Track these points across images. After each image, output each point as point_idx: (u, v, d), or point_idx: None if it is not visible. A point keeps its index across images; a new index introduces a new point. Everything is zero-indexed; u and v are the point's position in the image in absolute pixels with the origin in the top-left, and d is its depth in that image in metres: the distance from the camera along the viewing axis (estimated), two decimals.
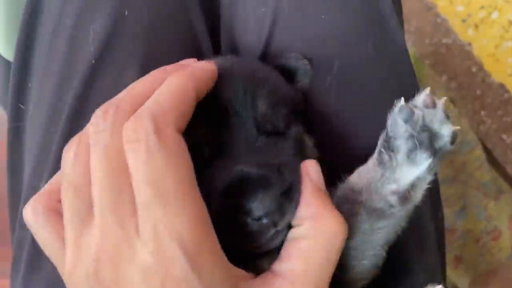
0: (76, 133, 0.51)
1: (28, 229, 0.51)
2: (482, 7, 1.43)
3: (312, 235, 0.41)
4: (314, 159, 0.48)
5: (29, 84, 0.57)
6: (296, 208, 0.42)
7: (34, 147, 0.55)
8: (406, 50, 0.56)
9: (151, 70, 0.54)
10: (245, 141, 0.45)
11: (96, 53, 0.52)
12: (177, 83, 0.40)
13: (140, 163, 0.36)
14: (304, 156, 0.48)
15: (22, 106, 0.57)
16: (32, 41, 0.58)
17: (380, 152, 0.46)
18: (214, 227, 0.38)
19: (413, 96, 0.49)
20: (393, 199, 0.45)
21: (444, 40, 1.46)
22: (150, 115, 0.37)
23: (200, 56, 0.59)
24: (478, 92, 1.45)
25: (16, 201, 0.59)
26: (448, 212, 1.44)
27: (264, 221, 0.41)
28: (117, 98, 0.42)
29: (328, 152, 0.54)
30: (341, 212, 0.45)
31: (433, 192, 0.59)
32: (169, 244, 0.34)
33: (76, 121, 0.52)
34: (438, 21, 1.47)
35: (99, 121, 0.40)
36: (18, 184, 0.60)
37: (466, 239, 1.48)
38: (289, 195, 0.42)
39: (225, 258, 0.38)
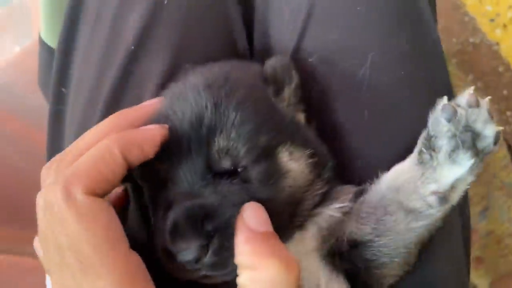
0: None
1: None
2: (510, 7, 1.41)
3: (248, 285, 0.40)
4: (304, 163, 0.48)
5: (70, 70, 0.60)
6: (217, 256, 0.42)
7: (72, 130, 0.58)
8: (439, 45, 0.57)
9: (183, 59, 0.56)
10: (188, 182, 0.44)
11: (135, 41, 0.55)
12: (100, 147, 0.41)
13: (56, 230, 0.38)
14: (270, 189, 0.46)
15: (64, 90, 0.60)
16: (75, 30, 0.60)
17: (420, 151, 0.46)
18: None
19: (445, 92, 0.49)
20: (432, 199, 0.46)
21: (471, 39, 1.44)
22: (63, 181, 0.39)
23: (234, 49, 0.60)
24: (505, 92, 1.43)
25: None
26: (470, 212, 1.43)
27: (187, 266, 0.42)
28: (62, 153, 0.45)
29: (355, 143, 0.54)
30: (375, 211, 0.47)
31: None
32: None
33: (113, 106, 0.55)
34: (466, 20, 1.45)
35: (44, 176, 0.45)
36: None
37: (488, 240, 1.46)
38: (209, 246, 0.42)
39: None
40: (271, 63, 0.53)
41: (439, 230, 0.52)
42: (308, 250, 0.50)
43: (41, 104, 1.49)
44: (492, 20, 1.43)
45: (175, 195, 0.45)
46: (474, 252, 1.46)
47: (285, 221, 0.48)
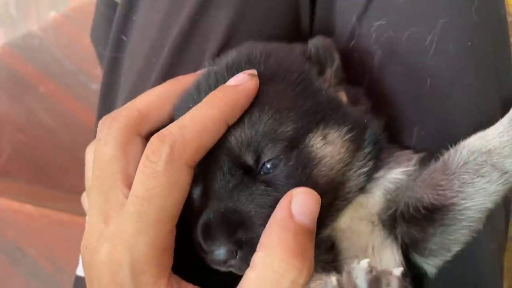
0: (174, 67, 0.54)
1: None
2: None
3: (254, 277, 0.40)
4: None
5: (134, 18, 0.60)
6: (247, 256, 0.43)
7: (132, 74, 0.59)
8: (505, 23, 0.56)
9: (248, 15, 0.56)
10: (217, 181, 0.44)
11: None
12: (209, 115, 0.42)
13: (141, 180, 0.41)
14: (302, 182, 0.44)
15: (124, 38, 0.60)
16: None
17: None
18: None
19: (506, 67, 0.50)
20: None
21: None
22: (169, 144, 0.40)
23: (296, 20, 0.60)
24: None
25: None
26: None
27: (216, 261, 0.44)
28: (117, 110, 0.48)
29: (415, 110, 0.54)
30: (459, 176, 0.47)
31: None
32: (121, 252, 0.41)
33: (178, 54, 0.55)
34: (509, 20, 1.43)
35: (99, 129, 0.46)
36: (108, 110, 0.63)
37: (508, 246, 1.45)
38: (242, 252, 0.43)
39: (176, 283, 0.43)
40: (313, 43, 0.52)
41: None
42: (368, 214, 0.50)
43: (76, 69, 1.51)
44: None
45: (208, 192, 0.45)
46: None
47: (325, 210, 0.46)
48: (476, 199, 0.47)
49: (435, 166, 0.50)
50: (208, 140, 0.42)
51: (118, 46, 0.62)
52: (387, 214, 0.50)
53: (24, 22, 1.86)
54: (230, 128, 0.43)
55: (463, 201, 0.47)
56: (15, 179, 1.33)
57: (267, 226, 0.41)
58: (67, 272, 0.98)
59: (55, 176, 1.41)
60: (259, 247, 0.41)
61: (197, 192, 0.47)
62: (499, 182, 0.47)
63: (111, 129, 0.45)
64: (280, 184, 0.44)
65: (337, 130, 0.47)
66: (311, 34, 0.60)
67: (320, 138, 0.46)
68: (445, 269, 0.53)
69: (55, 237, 1.01)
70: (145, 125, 0.47)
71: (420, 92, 0.54)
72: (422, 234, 0.49)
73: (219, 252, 0.43)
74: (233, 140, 0.43)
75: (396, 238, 0.50)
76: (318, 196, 0.42)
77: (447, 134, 0.52)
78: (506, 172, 0.47)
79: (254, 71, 0.45)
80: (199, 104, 0.43)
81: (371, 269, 0.35)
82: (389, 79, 0.55)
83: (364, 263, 0.35)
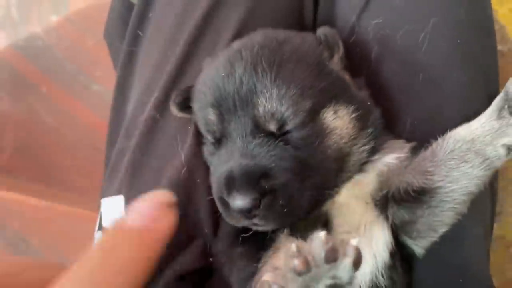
0: (189, 58, 0.59)
1: (132, 139, 0.58)
2: None
3: None
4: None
5: (150, 14, 0.64)
6: (279, 211, 0.47)
7: (149, 66, 0.63)
8: (492, 22, 0.61)
9: (257, 12, 0.61)
10: (241, 137, 0.50)
11: None
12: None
13: None
14: (313, 156, 0.51)
15: (140, 33, 0.65)
16: None
17: (501, 108, 0.52)
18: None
19: (493, 65, 0.57)
20: (502, 150, 0.52)
21: (499, 47, 1.46)
22: None
23: (300, 16, 0.65)
24: None
25: (120, 116, 0.67)
26: None
27: (239, 213, 0.48)
28: None
29: (407, 101, 0.59)
30: (445, 162, 0.52)
31: None
32: None
33: (193, 46, 0.59)
34: (496, 28, 1.48)
35: None
36: (124, 101, 0.67)
37: (497, 245, 1.49)
38: (271, 198, 0.47)
39: None
40: (322, 31, 0.58)
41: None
42: (363, 192, 0.55)
43: (77, 70, 1.54)
44: None
45: (230, 151, 0.50)
46: None
47: (333, 177, 0.53)
48: (460, 182, 0.52)
49: (425, 154, 0.55)
50: None
51: (135, 41, 0.66)
52: (379, 195, 0.55)
53: (25, 25, 1.89)
54: (258, 97, 0.49)
55: (449, 184, 0.52)
56: (16, 177, 1.35)
57: None
58: (72, 263, 1.00)
59: (56, 174, 1.43)
60: None
61: (220, 153, 0.52)
62: (481, 167, 0.52)
63: None
64: (298, 145, 0.50)
65: (346, 107, 0.54)
66: (313, 31, 0.65)
67: (332, 113, 0.53)
68: (432, 251, 0.57)
69: (60, 228, 1.03)
70: None
71: (413, 85, 0.58)
72: (411, 215, 0.54)
73: (244, 201, 0.46)
74: (260, 109, 0.50)
75: (387, 218, 0.54)
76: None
77: (437, 124, 0.56)
78: (487, 158, 0.52)
79: (170, 199, 0.42)
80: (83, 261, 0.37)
81: (328, 240, 0.37)
82: (385, 73, 0.59)
83: (322, 234, 0.38)
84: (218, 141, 0.53)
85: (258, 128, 0.50)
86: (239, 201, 0.47)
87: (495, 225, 1.52)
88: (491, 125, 0.52)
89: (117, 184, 0.61)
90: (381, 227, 0.55)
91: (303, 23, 0.66)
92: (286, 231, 0.52)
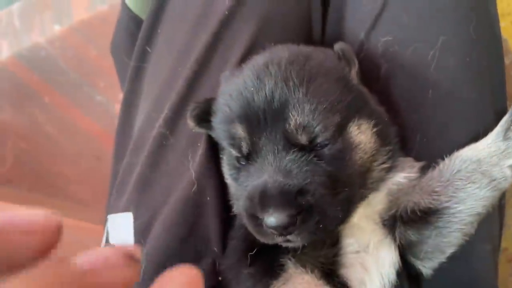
0: (200, 75, 0.59)
1: (140, 155, 0.58)
2: None
3: None
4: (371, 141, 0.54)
5: (159, 30, 0.65)
6: (313, 229, 0.47)
7: (157, 82, 0.63)
8: (500, 38, 0.62)
9: (266, 32, 0.61)
10: (272, 152, 0.50)
11: (228, 8, 0.60)
12: None
13: None
14: (343, 171, 0.51)
15: (148, 49, 0.65)
16: None
17: (507, 130, 0.53)
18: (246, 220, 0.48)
19: (500, 83, 0.57)
20: (508, 171, 0.53)
21: None
22: None
23: (309, 33, 0.66)
24: None
25: (127, 132, 0.67)
26: None
27: (273, 231, 0.47)
28: None
29: (417, 118, 0.59)
30: (452, 183, 0.53)
31: None
32: None
33: (204, 63, 0.60)
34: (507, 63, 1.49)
35: None
36: (131, 115, 0.67)
37: (500, 257, 1.48)
38: (306, 215, 0.47)
39: None
40: (339, 47, 0.58)
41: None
42: (373, 211, 0.55)
43: (81, 80, 1.54)
44: None
45: (261, 166, 0.50)
46: None
47: (357, 192, 0.53)
48: (467, 203, 0.52)
49: (432, 174, 0.55)
50: None
51: (143, 56, 0.66)
52: (388, 214, 0.55)
53: (28, 34, 1.89)
54: (290, 111, 0.49)
55: (456, 205, 0.53)
56: (17, 187, 1.35)
57: None
58: None
59: (57, 184, 1.42)
60: None
61: (249, 168, 0.51)
62: (488, 188, 0.52)
63: None
64: (329, 160, 0.50)
65: (367, 122, 0.54)
66: (322, 46, 0.65)
67: (356, 127, 0.53)
68: (441, 267, 0.57)
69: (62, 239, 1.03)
70: None
71: (422, 102, 0.58)
72: (418, 236, 0.54)
73: (282, 218, 0.46)
74: (292, 123, 0.49)
75: (394, 238, 0.54)
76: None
77: (446, 142, 0.57)
78: (494, 179, 0.52)
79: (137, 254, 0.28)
80: None
81: None
82: (394, 89, 0.59)
83: None
84: (247, 157, 0.52)
85: (289, 143, 0.50)
86: (275, 218, 0.46)
87: None
88: (497, 146, 0.53)
89: (125, 200, 0.61)
90: (388, 247, 0.55)
91: (311, 38, 0.67)
92: (293, 258, 0.52)
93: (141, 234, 0.58)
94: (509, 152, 0.52)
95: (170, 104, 0.59)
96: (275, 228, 0.46)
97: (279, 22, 0.62)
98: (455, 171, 0.53)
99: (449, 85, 0.58)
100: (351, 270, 0.53)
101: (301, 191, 0.47)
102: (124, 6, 0.74)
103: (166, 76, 0.62)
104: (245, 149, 0.52)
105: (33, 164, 1.44)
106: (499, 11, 1.59)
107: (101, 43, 1.30)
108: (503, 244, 1.50)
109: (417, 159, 0.58)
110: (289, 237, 0.48)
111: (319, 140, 0.50)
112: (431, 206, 0.53)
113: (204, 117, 0.57)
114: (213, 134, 0.58)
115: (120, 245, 0.27)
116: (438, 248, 0.54)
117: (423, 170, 0.57)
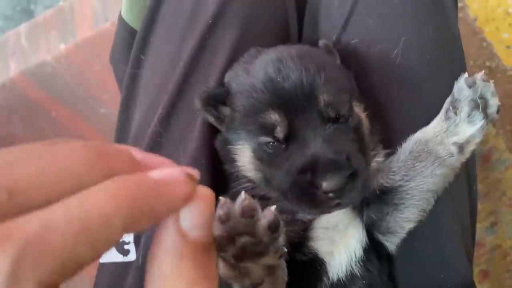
0: (188, 78, 0.65)
1: None
2: None
3: None
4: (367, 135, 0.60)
5: (151, 39, 0.71)
6: (359, 189, 0.52)
7: (152, 87, 0.69)
8: (459, 40, 0.68)
9: (248, 35, 0.68)
10: (313, 129, 0.55)
11: (213, 15, 0.67)
12: (100, 213, 0.24)
13: None
14: (363, 141, 0.58)
15: (142, 57, 0.71)
16: (159, 6, 0.72)
17: (447, 110, 0.58)
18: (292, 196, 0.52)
19: (462, 71, 0.61)
20: (453, 148, 0.58)
21: (487, 63, 1.52)
22: (16, 253, 0.22)
23: (287, 34, 0.72)
24: None
25: (126, 131, 0.73)
26: (478, 227, 1.48)
27: (330, 195, 0.52)
28: None
29: (389, 109, 0.65)
30: (405, 163, 0.58)
31: (471, 165, 0.70)
32: None
33: (192, 67, 0.66)
34: (484, 45, 1.54)
35: None
36: (129, 116, 0.73)
37: (494, 255, 1.51)
38: (353, 178, 0.52)
39: None
40: (323, 43, 0.66)
41: (448, 193, 0.62)
42: None
43: (85, 94, 1.61)
44: (508, 47, 1.52)
45: (302, 144, 0.55)
46: (480, 265, 1.50)
47: (370, 157, 0.60)
48: (417, 180, 0.58)
49: (392, 157, 0.62)
50: (86, 252, 0.24)
51: (138, 63, 0.73)
52: None
53: (35, 53, 1.97)
54: (319, 93, 0.55)
55: (407, 183, 0.58)
56: None
57: (155, 256, 0.29)
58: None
59: None
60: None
61: (288, 151, 0.56)
62: (435, 165, 0.58)
63: None
64: (353, 131, 0.57)
65: (359, 105, 0.61)
66: None
67: (356, 107, 0.60)
68: (412, 249, 0.62)
69: None
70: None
71: (390, 97, 0.64)
72: (378, 214, 0.60)
73: (340, 180, 0.50)
74: (322, 102, 0.55)
75: (362, 219, 0.60)
76: (212, 197, 0.31)
77: (413, 132, 0.62)
78: (440, 157, 0.58)
79: (195, 175, 0.30)
80: (88, 191, 0.25)
81: (246, 198, 0.39)
82: (364, 86, 0.65)
83: (243, 193, 0.39)
84: (283, 140, 0.56)
85: (322, 119, 0.55)
86: (335, 181, 0.50)
87: (491, 236, 1.55)
88: (440, 126, 0.58)
89: None
90: (356, 227, 0.60)
91: (289, 41, 0.73)
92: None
93: None
94: (451, 131, 0.57)
95: (163, 105, 0.65)
96: (335, 191, 0.51)
97: (259, 28, 0.69)
98: (407, 152, 0.59)
99: (413, 81, 0.64)
100: (320, 243, 0.58)
101: (348, 156, 0.53)
102: (121, 19, 0.81)
103: (159, 81, 0.68)
104: (281, 133, 0.56)
105: None
106: (484, 17, 1.65)
107: (104, 58, 1.36)
108: (497, 241, 1.54)
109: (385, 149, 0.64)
110: (341, 200, 0.52)
111: (342, 113, 0.57)
112: (387, 185, 0.59)
113: (211, 102, 0.62)
114: (217, 123, 0.63)
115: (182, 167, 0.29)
116: (397, 223, 0.60)
117: (389, 156, 0.63)
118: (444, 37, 0.66)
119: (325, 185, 0.51)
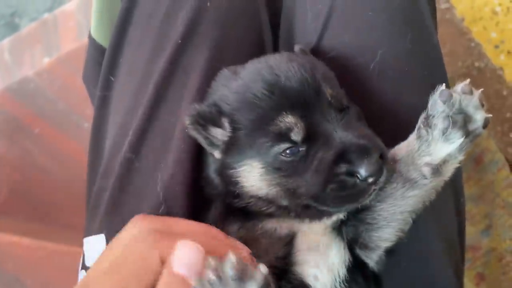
0: (159, 100, 0.62)
1: (110, 179, 0.61)
2: None
3: None
4: None
5: (120, 60, 0.69)
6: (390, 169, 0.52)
7: (122, 110, 0.66)
8: (438, 49, 0.65)
9: (222, 54, 0.65)
10: (329, 121, 0.53)
11: (182, 35, 0.64)
12: None
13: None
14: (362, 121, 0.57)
15: (112, 78, 0.69)
16: (127, 26, 0.70)
17: (419, 127, 0.54)
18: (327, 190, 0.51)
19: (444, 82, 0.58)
20: (426, 170, 0.53)
21: (476, 64, 1.51)
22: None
23: (262, 48, 0.70)
24: (508, 115, 1.48)
25: (98, 156, 0.70)
26: (473, 230, 1.47)
27: (370, 180, 0.50)
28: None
29: (368, 125, 0.63)
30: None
31: (457, 177, 0.67)
32: None
33: (161, 89, 0.63)
34: (472, 46, 1.52)
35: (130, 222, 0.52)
36: (100, 143, 0.71)
37: (490, 258, 1.50)
38: (383, 158, 0.51)
39: None
40: (299, 47, 0.65)
41: (433, 210, 0.59)
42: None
43: (68, 109, 1.58)
44: (496, 46, 1.51)
45: (328, 136, 0.53)
46: (476, 269, 1.49)
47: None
48: (388, 202, 0.55)
49: None
50: None
51: (107, 85, 0.70)
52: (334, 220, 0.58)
53: (19, 68, 1.94)
54: (323, 88, 0.55)
55: (378, 203, 0.56)
56: (13, 218, 1.38)
57: None
58: None
59: (51, 213, 1.45)
60: None
61: (311, 150, 0.54)
62: (404, 188, 0.54)
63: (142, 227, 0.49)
64: (357, 119, 0.57)
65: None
66: None
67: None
68: (398, 268, 0.60)
69: (52, 267, 1.06)
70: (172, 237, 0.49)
71: (370, 111, 0.61)
72: (355, 232, 0.57)
73: (376, 162, 0.50)
74: (329, 95, 0.54)
75: (343, 238, 0.58)
76: (200, 248, 0.47)
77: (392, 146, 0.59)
78: (410, 179, 0.54)
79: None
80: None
81: (238, 261, 0.40)
82: None
83: (233, 256, 0.41)
84: (303, 141, 0.54)
85: (335, 110, 0.55)
86: (373, 165, 0.49)
87: (486, 239, 1.54)
88: (412, 144, 0.54)
89: (98, 223, 0.64)
90: (338, 247, 0.58)
91: (264, 51, 0.71)
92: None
93: None
94: (423, 150, 0.53)
95: (133, 130, 0.63)
96: (375, 173, 0.50)
97: (233, 47, 0.66)
98: None
99: (393, 94, 0.62)
100: (304, 267, 0.56)
101: (372, 139, 0.53)
102: (90, 37, 0.79)
103: (128, 103, 0.65)
104: (299, 135, 0.53)
105: (27, 194, 1.47)
106: (471, 17, 1.63)
107: None
108: (492, 244, 1.52)
109: None
110: (376, 185, 0.52)
111: (345, 104, 0.56)
112: (361, 205, 0.56)
113: (201, 122, 0.58)
114: (207, 145, 0.59)
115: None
116: (373, 242, 0.57)
117: None
118: (422, 48, 0.63)
119: (364, 170, 0.50)
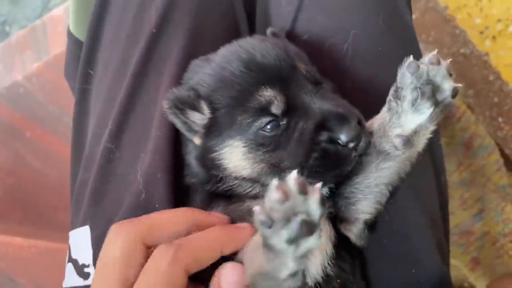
0: (137, 89, 0.63)
1: (91, 171, 0.62)
2: (499, 20, 1.50)
3: None
4: None
5: (98, 53, 0.69)
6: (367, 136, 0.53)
7: (100, 101, 0.67)
8: (412, 28, 0.66)
9: (197, 41, 0.66)
10: (307, 94, 0.55)
11: (156, 24, 0.64)
12: (215, 239, 0.49)
13: (144, 278, 0.46)
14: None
15: (91, 72, 0.69)
16: (103, 19, 0.70)
17: (389, 100, 0.54)
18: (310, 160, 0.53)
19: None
20: (397, 141, 0.54)
21: (462, 50, 1.52)
22: (175, 247, 0.46)
23: (237, 34, 0.70)
24: (496, 99, 1.49)
25: (80, 150, 0.71)
26: (466, 215, 1.48)
27: (350, 145, 0.52)
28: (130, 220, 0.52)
29: None
30: None
31: (437, 155, 0.68)
32: None
33: (138, 78, 0.64)
34: (457, 33, 1.53)
35: (110, 230, 0.51)
36: (82, 136, 0.71)
37: (484, 242, 1.50)
38: (361, 124, 0.53)
39: None
40: (271, 30, 0.66)
41: (412, 186, 0.60)
42: None
43: (59, 112, 1.58)
44: (481, 32, 1.51)
45: (307, 107, 0.55)
46: (471, 253, 1.50)
47: None
48: (363, 174, 0.55)
49: None
50: (206, 256, 0.48)
51: (86, 79, 0.71)
52: None
53: (9, 74, 1.95)
54: (297, 63, 0.57)
55: (354, 176, 0.56)
56: (7, 221, 1.38)
57: None
58: None
59: (44, 215, 1.46)
60: None
61: (292, 122, 0.55)
62: (378, 160, 0.55)
63: (120, 233, 0.49)
64: (332, 91, 0.59)
65: None
66: None
67: None
68: (382, 247, 0.60)
69: (44, 265, 1.06)
70: (154, 237, 0.50)
71: (345, 91, 0.62)
72: (335, 207, 0.58)
73: (355, 129, 0.51)
74: (303, 70, 0.56)
75: (327, 216, 0.58)
76: (241, 267, 0.48)
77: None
78: (383, 151, 0.55)
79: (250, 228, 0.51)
80: (210, 230, 0.50)
81: (298, 177, 0.41)
82: None
83: (294, 172, 0.41)
84: (283, 114, 0.55)
85: (311, 83, 0.56)
86: (352, 130, 0.51)
87: (479, 223, 1.54)
88: (383, 117, 0.55)
89: (82, 215, 0.64)
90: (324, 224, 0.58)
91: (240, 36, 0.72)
92: None
93: (97, 245, 0.61)
94: (394, 122, 0.53)
95: (112, 119, 0.63)
96: (355, 138, 0.52)
97: (208, 35, 0.67)
98: None
99: (367, 74, 0.62)
100: None
101: (348, 108, 0.54)
102: (69, 33, 0.79)
103: (106, 94, 0.66)
104: (278, 108, 0.55)
105: (21, 197, 1.47)
106: (455, 4, 1.64)
107: None
108: (485, 228, 1.53)
109: None
110: (357, 151, 0.54)
111: (319, 79, 0.58)
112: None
113: (179, 106, 0.58)
114: (185, 130, 0.59)
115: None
116: (352, 215, 0.57)
117: None
118: (394, 27, 0.64)
119: (345, 136, 0.51)
